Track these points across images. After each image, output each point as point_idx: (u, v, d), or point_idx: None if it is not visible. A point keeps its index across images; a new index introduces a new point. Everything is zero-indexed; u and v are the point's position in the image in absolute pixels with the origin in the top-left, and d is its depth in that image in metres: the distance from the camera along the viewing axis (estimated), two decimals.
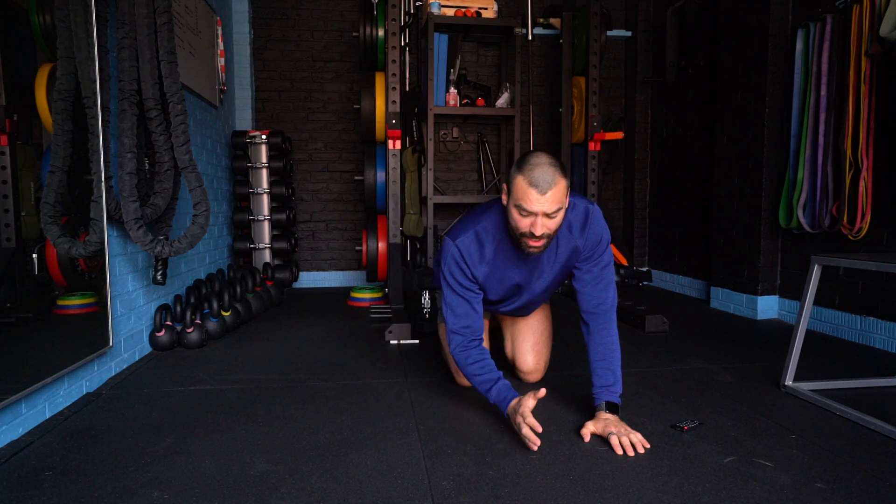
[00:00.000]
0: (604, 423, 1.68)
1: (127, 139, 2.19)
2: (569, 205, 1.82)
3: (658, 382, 2.22)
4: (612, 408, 1.73)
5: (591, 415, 1.75)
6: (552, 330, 2.27)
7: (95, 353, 2.11)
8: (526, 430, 1.58)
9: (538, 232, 1.62)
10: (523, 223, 1.64)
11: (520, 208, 1.62)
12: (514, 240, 1.75)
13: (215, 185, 3.79)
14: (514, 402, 1.67)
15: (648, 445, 1.61)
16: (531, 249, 1.69)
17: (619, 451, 1.58)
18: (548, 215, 1.61)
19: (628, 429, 1.65)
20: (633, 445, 1.59)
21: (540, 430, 1.58)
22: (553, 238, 1.71)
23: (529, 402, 1.61)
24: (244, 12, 4.42)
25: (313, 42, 4.61)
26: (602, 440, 1.66)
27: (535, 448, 1.58)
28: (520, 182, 1.60)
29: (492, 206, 1.86)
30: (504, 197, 1.72)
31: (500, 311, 2.10)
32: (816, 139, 2.93)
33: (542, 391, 1.61)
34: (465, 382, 2.15)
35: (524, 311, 2.14)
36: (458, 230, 1.85)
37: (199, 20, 3.44)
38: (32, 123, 1.93)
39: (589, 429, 1.69)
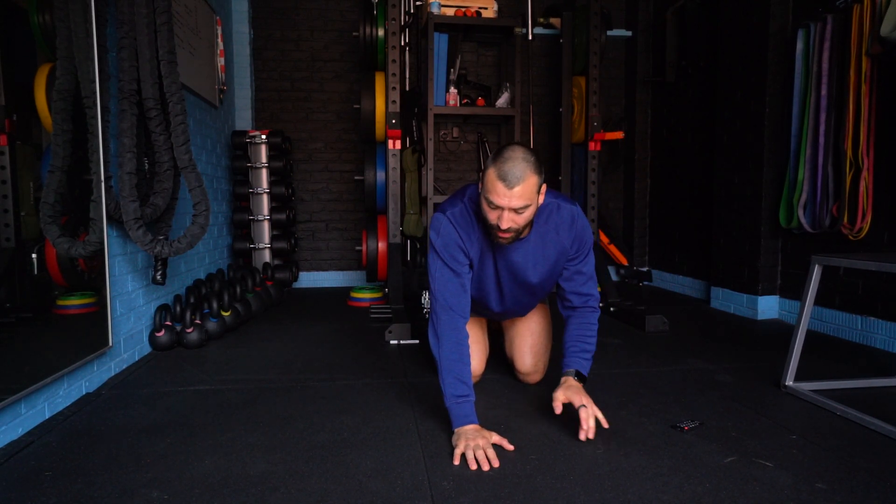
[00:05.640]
0: (572, 391, 1.71)
1: (126, 139, 2.19)
2: (554, 206, 1.83)
3: (658, 382, 2.22)
4: (580, 378, 1.78)
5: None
6: (552, 331, 2.26)
7: (95, 354, 2.11)
8: (481, 455, 1.52)
9: (503, 226, 1.63)
10: (491, 215, 1.65)
11: (488, 201, 1.62)
12: (485, 227, 1.75)
13: (215, 184, 3.79)
14: (476, 426, 1.63)
15: (607, 425, 1.66)
16: (499, 240, 1.71)
17: (586, 426, 1.63)
18: (515, 210, 1.61)
19: (592, 402, 1.68)
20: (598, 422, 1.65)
21: (496, 464, 1.51)
22: (521, 231, 1.70)
23: (496, 438, 1.62)
24: (244, 12, 4.42)
25: (313, 42, 4.61)
26: (603, 441, 1.66)
27: (474, 467, 1.49)
28: (490, 174, 1.60)
29: (475, 185, 1.86)
30: (480, 185, 1.70)
31: (487, 307, 2.05)
32: (817, 139, 2.93)
33: (510, 447, 1.61)
34: None
35: (514, 313, 2.13)
36: (446, 204, 1.85)
37: (198, 20, 3.44)
38: (32, 123, 1.93)
39: (560, 399, 1.70)
